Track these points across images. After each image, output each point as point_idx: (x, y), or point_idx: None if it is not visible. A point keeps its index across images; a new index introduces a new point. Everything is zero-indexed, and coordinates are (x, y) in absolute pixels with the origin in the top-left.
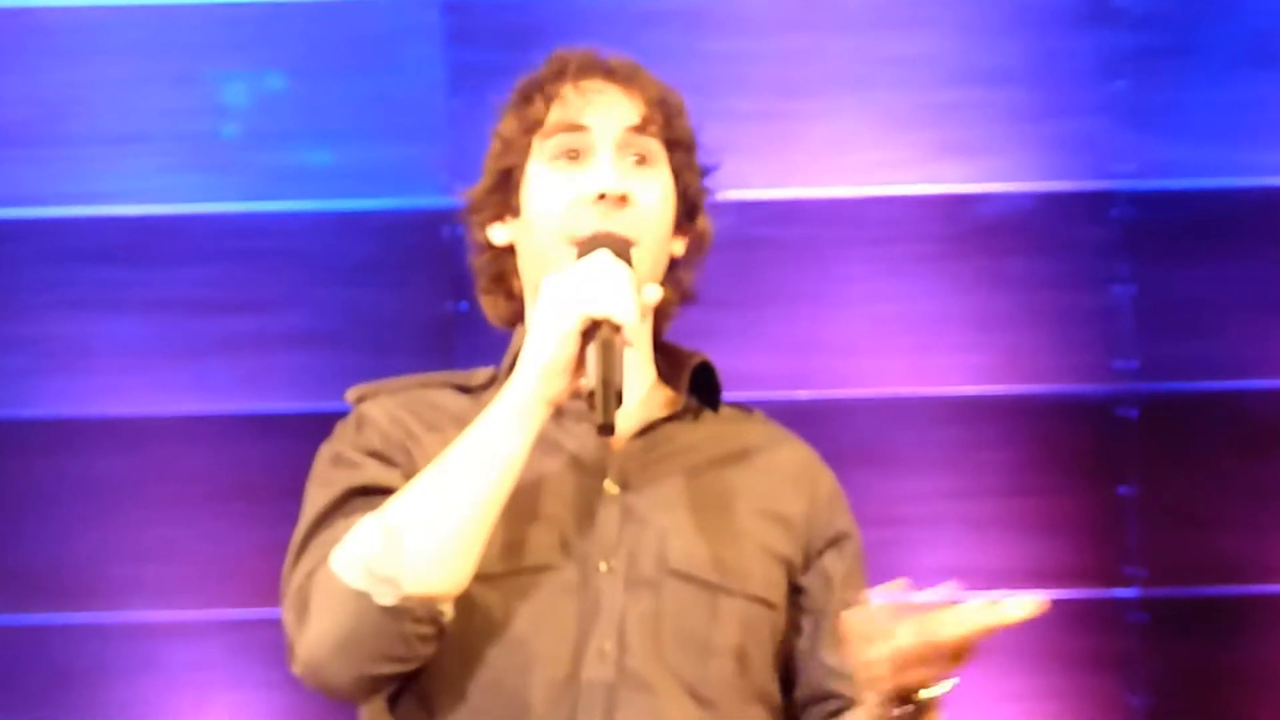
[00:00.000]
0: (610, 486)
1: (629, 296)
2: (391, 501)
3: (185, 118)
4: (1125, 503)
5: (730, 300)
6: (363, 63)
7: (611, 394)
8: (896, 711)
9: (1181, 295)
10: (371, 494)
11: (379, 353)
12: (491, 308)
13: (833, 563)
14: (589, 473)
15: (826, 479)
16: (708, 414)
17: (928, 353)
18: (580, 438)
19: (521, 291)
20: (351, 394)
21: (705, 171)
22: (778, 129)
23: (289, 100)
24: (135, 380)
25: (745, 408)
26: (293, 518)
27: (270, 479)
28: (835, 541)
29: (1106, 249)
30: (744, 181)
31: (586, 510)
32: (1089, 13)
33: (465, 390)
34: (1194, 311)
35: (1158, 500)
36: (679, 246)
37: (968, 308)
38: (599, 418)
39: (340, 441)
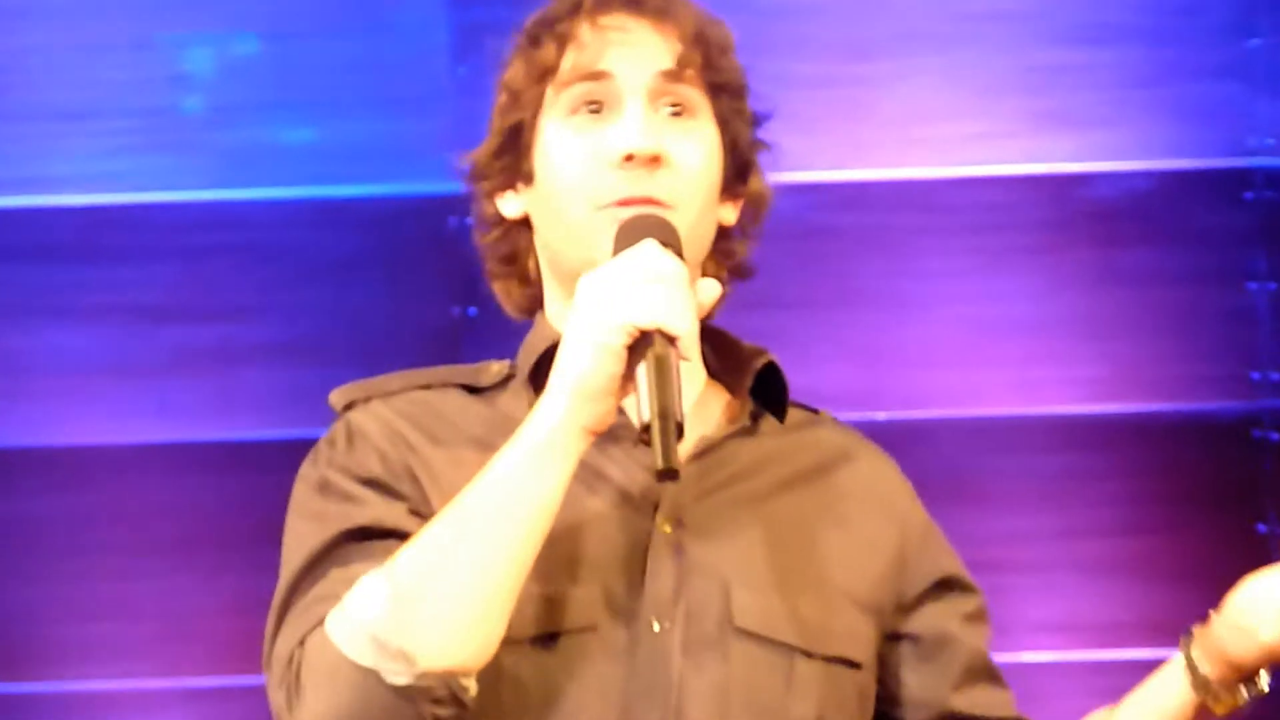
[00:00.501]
0: (663, 525)
1: (685, 299)
2: (400, 555)
3: (139, 89)
4: (1266, 542)
5: (791, 301)
6: (350, 22)
7: (671, 428)
8: (1249, 695)
9: None
10: (372, 536)
11: (371, 368)
12: (505, 294)
13: (943, 612)
14: (636, 508)
15: (915, 501)
16: (768, 419)
17: (1027, 364)
18: (623, 464)
19: (539, 273)
20: (337, 397)
21: (758, 120)
22: (846, 97)
23: (262, 67)
24: (80, 403)
25: (809, 408)
26: (270, 568)
27: (242, 520)
28: (940, 588)
29: (1240, 238)
30: (806, 161)
31: (635, 556)
32: None
33: (474, 390)
34: None
35: None
36: (729, 214)
37: (1075, 310)
38: (658, 460)
39: (328, 463)
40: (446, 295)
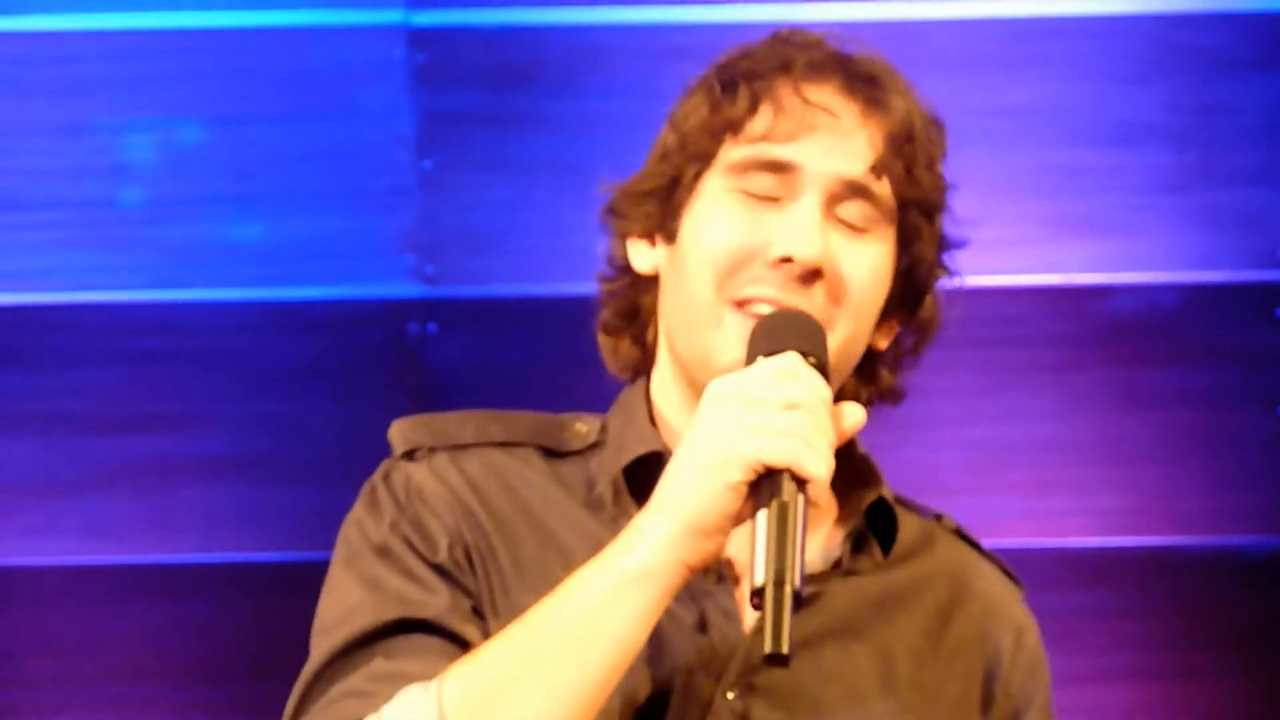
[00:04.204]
0: (727, 692)
1: (825, 435)
2: (455, 676)
3: (72, 179)
4: None
5: None
6: (305, 109)
7: (786, 600)
8: None
9: None
10: (429, 631)
11: (324, 485)
12: (611, 352)
13: None
14: (704, 662)
15: (1021, 648)
16: (873, 547)
17: (1040, 492)
18: (700, 601)
19: (655, 339)
20: (399, 437)
21: (948, 245)
22: None
23: (208, 157)
24: (1, 520)
25: (925, 512)
26: (216, 710)
27: (182, 653)
28: None
29: (1272, 358)
30: None
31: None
32: (1252, 54)
33: (554, 454)
34: None
35: None
36: (882, 338)
37: (1092, 434)
38: (768, 643)
39: (390, 524)
40: (408, 408)
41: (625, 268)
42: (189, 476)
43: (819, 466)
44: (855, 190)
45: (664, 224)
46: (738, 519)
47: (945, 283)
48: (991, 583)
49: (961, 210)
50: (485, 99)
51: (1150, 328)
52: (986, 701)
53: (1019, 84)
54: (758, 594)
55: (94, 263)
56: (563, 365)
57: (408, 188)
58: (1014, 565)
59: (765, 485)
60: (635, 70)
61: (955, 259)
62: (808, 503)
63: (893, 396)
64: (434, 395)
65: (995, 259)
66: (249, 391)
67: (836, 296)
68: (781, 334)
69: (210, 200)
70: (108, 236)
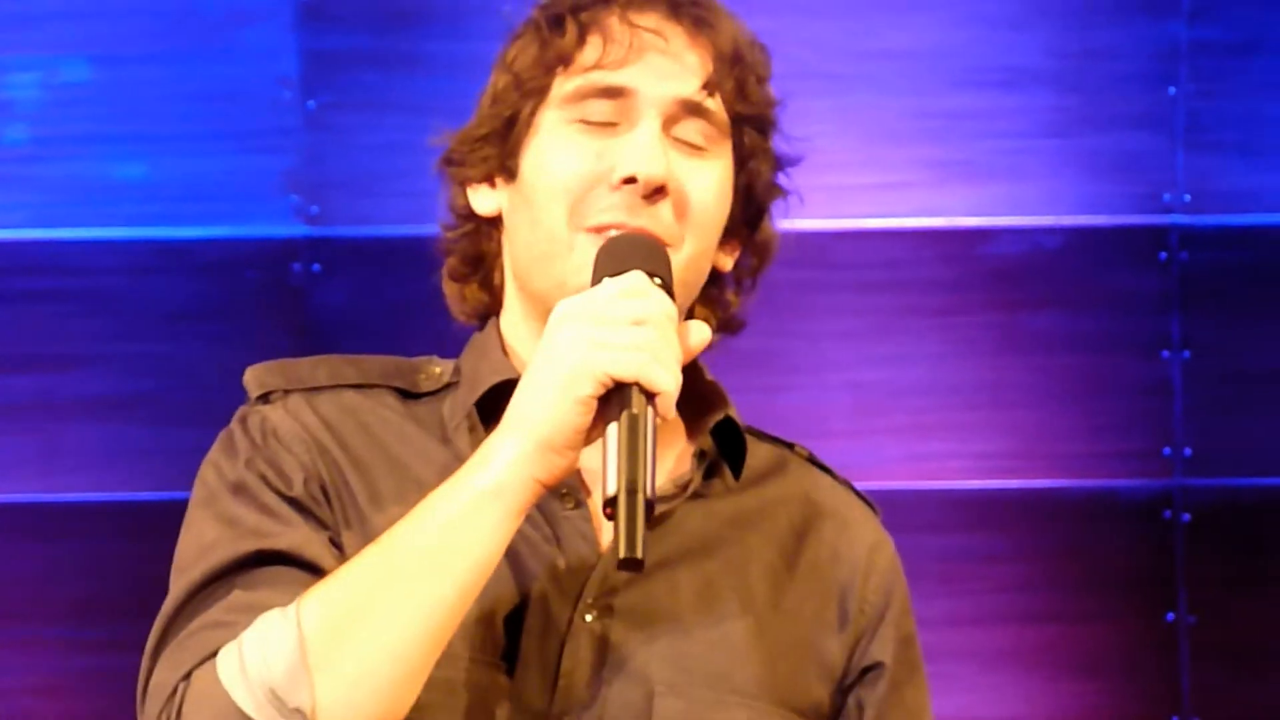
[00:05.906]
0: (585, 614)
1: (671, 349)
2: (311, 599)
3: None
4: (1175, 633)
5: None
6: (189, 48)
7: (639, 507)
8: None
9: (1250, 363)
10: (287, 563)
11: (209, 425)
12: (457, 298)
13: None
14: (561, 587)
15: (874, 573)
16: (725, 471)
17: (921, 435)
18: (557, 527)
19: (501, 282)
20: (254, 381)
21: (782, 163)
22: None
23: (92, 95)
24: None
25: (780, 441)
26: (95, 648)
27: (62, 591)
28: (866, 672)
29: (1154, 303)
30: None
31: (552, 645)
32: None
33: (409, 395)
34: (1267, 384)
35: (1216, 631)
36: (725, 259)
37: (973, 377)
38: (621, 547)
39: (242, 461)
40: (290, 348)
41: (467, 215)
42: (71, 416)
43: (667, 380)
44: (691, 109)
45: (504, 164)
46: (589, 437)
47: (780, 205)
48: (846, 504)
49: (846, 154)
50: (371, 39)
51: (1032, 271)
52: (842, 618)
53: (901, 28)
54: (610, 503)
55: None
56: (447, 307)
57: (292, 127)
58: (896, 508)
59: (615, 399)
60: (524, 13)
61: (790, 178)
62: (657, 415)
63: (735, 325)
64: (318, 335)
65: (878, 202)
66: (131, 331)
67: (682, 213)
68: (625, 255)
69: (94, 139)
70: None
